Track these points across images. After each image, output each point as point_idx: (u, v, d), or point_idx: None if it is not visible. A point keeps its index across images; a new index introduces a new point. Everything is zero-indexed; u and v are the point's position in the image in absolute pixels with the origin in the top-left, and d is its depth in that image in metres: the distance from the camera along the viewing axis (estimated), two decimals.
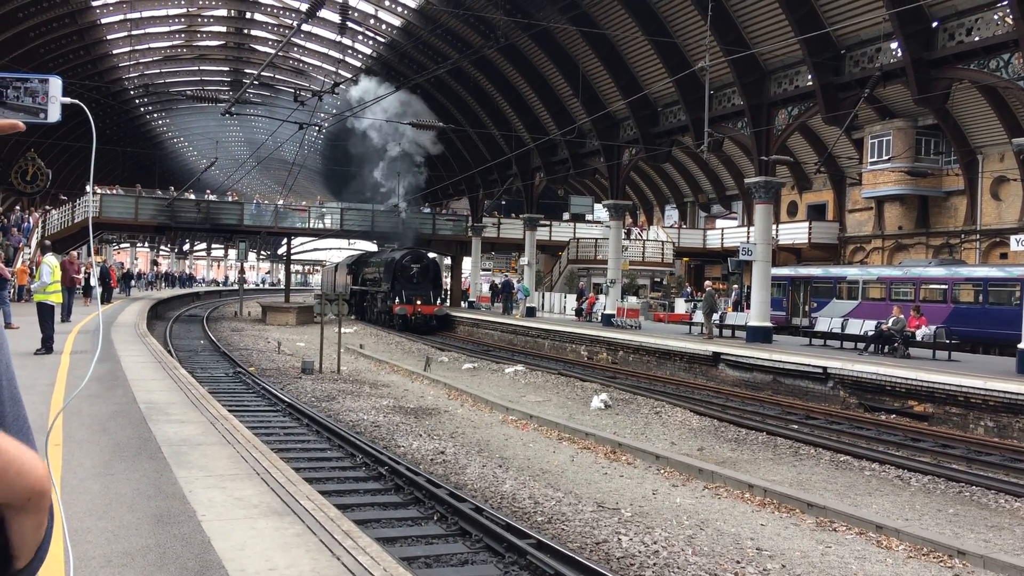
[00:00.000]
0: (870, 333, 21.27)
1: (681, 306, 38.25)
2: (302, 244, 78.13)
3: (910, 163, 33.07)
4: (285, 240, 52.61)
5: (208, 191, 47.12)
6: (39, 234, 34.55)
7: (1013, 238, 19.12)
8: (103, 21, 38.66)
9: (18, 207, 43.17)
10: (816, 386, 18.94)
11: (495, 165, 38.19)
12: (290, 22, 39.59)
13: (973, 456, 13.08)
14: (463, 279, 52.94)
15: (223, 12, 41.42)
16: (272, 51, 41.46)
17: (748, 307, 27.64)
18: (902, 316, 20.82)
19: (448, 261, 50.29)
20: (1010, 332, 20.48)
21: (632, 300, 34.13)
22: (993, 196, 31.76)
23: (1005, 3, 17.46)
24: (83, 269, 25.64)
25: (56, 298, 15.25)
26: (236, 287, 62.94)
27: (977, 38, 18.40)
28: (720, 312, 27.63)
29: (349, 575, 4.55)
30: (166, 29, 42.17)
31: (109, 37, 40.25)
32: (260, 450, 7.76)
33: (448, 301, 41.87)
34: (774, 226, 32.52)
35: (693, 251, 47.37)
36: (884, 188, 34.46)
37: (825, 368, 18.72)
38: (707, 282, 39.69)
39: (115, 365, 13.24)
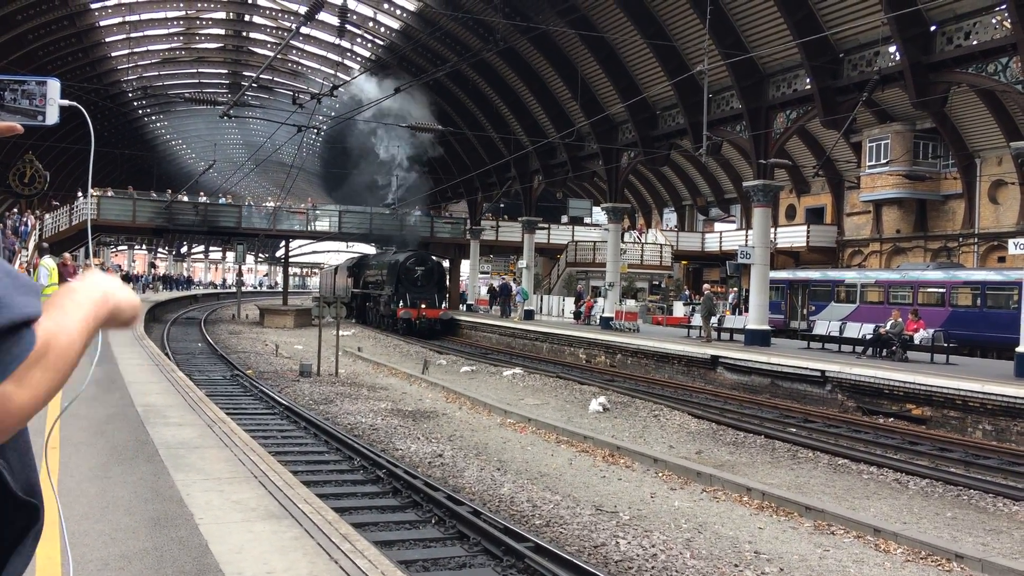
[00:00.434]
0: (868, 336, 21.27)
1: (679, 309, 38.25)
2: (300, 247, 78.11)
3: (908, 167, 33.11)
4: (283, 243, 52.54)
5: (200, 192, 46.97)
6: (36, 237, 34.51)
7: (1011, 242, 19.12)
8: (102, 24, 38.66)
9: (15, 210, 43.13)
10: (814, 389, 18.94)
11: (494, 168, 38.18)
12: (289, 25, 39.60)
13: (971, 460, 13.08)
14: (461, 282, 52.90)
15: (222, 15, 41.43)
16: (271, 54, 41.47)
17: (746, 310, 27.64)
18: (900, 320, 20.84)
19: (446, 264, 50.25)
20: (1008, 336, 20.48)
21: (630, 303, 34.13)
22: (991, 200, 31.80)
23: (1003, 7, 17.48)
24: (79, 272, 25.60)
25: None
26: (234, 290, 62.90)
27: (975, 42, 18.43)
28: (718, 315, 27.63)
29: None
30: (165, 32, 42.18)
31: (108, 39, 40.24)
32: (258, 453, 7.75)
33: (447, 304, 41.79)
34: (772, 229, 32.54)
35: (692, 254, 47.39)
36: (882, 192, 34.50)
37: (823, 371, 18.73)
38: (705, 285, 39.71)
39: (112, 368, 13.22)
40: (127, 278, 48.40)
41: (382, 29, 38.18)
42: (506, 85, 36.26)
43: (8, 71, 21.78)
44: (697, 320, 27.62)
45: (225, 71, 49.84)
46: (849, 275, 31.89)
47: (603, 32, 28.02)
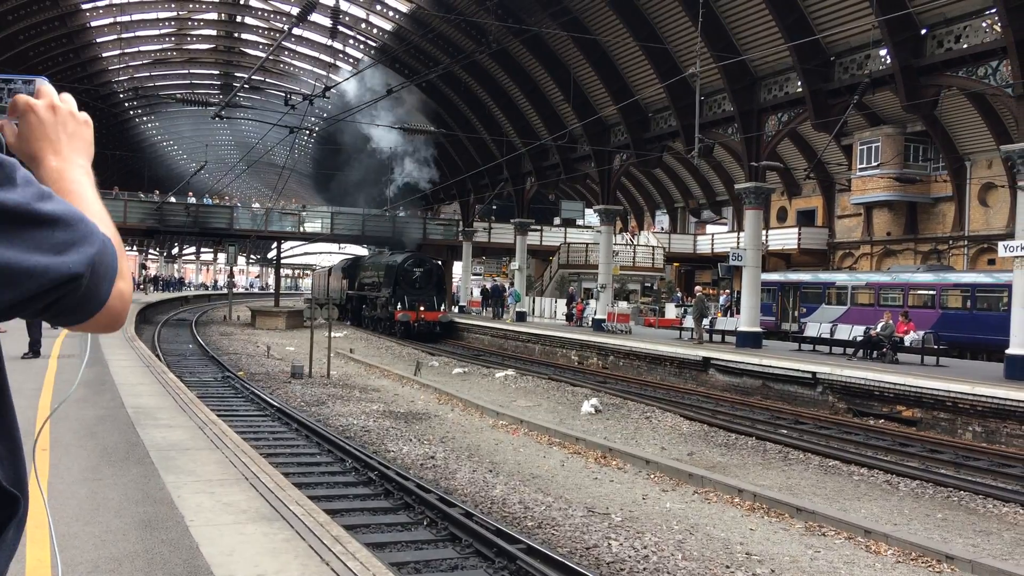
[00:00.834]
0: (859, 338, 21.34)
1: (671, 311, 38.30)
2: (291, 248, 77.90)
3: (899, 169, 33.23)
4: (275, 244, 52.39)
5: (190, 193, 46.80)
6: None
7: (1001, 244, 19.16)
8: (93, 24, 38.53)
9: None
10: (805, 391, 19.00)
11: (486, 170, 38.17)
12: (281, 26, 39.53)
13: (961, 461, 13.14)
14: (453, 283, 52.86)
15: (213, 15, 41.32)
16: (263, 55, 41.40)
17: (738, 312, 27.71)
18: (891, 322, 20.92)
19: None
20: (998, 337, 20.57)
21: (623, 305, 34.16)
22: (981, 202, 31.95)
23: (993, 11, 17.58)
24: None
25: None
26: (225, 291, 62.69)
27: (966, 45, 18.53)
28: (710, 317, 27.68)
29: None
30: (156, 32, 42.05)
31: (99, 40, 40.11)
32: (249, 455, 7.72)
33: None
34: (764, 232, 32.57)
35: (684, 256, 47.46)
36: (873, 194, 34.64)
37: (814, 373, 18.78)
38: (697, 287, 39.77)
39: (103, 369, 13.16)
40: None
41: (374, 31, 38.14)
42: (499, 87, 36.26)
43: None
44: (689, 322, 27.66)
45: (217, 72, 49.71)
46: (840, 277, 32.00)
47: (595, 34, 28.07)
